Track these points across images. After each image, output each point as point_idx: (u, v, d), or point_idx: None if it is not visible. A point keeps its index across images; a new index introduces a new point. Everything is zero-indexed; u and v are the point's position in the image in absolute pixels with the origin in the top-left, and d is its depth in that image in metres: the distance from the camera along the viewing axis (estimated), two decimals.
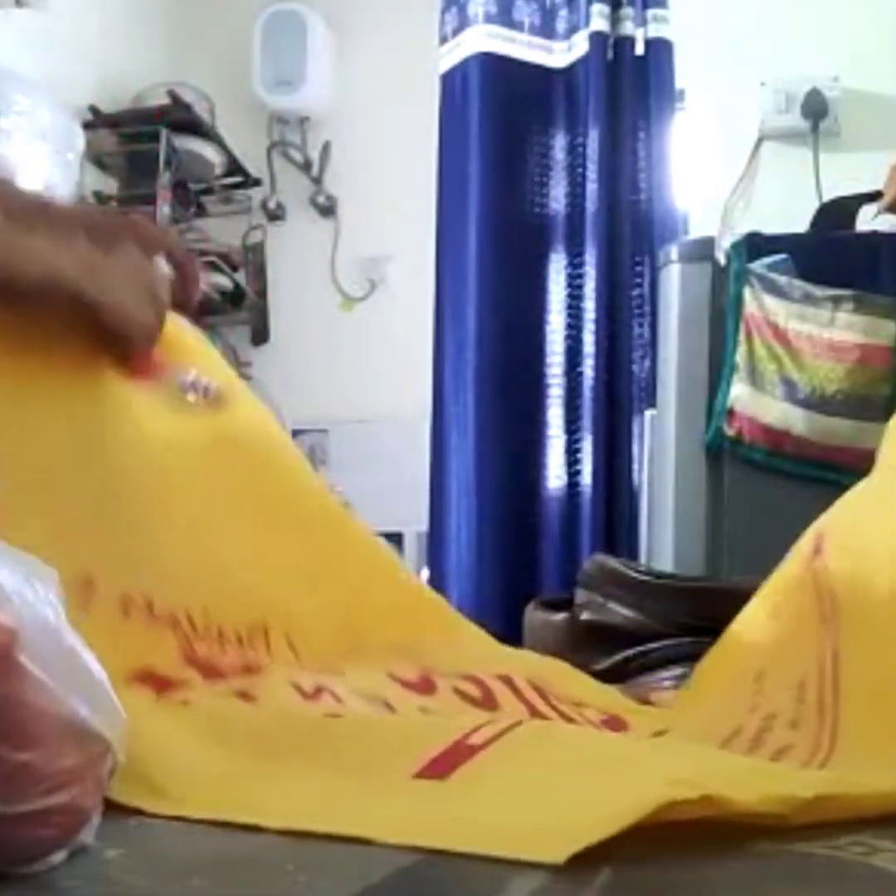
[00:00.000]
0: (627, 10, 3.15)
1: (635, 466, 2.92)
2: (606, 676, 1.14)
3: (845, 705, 0.72)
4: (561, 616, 1.38)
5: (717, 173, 3.42)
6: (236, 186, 4.05)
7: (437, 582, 3.09)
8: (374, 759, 0.65)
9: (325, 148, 4.07)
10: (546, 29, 3.20)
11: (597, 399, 3.01)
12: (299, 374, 4.01)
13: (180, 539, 0.86)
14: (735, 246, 2.25)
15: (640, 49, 3.17)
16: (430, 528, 3.13)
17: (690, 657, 1.12)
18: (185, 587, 0.84)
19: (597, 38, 3.11)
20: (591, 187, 3.08)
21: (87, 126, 3.55)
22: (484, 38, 3.17)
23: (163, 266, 0.89)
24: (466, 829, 0.54)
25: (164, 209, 3.64)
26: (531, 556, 3.02)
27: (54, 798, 0.43)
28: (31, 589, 0.45)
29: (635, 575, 1.39)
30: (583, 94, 3.14)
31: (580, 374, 3.05)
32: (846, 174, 2.87)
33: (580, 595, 1.38)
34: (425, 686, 0.91)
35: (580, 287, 3.09)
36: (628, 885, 0.48)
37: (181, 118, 3.73)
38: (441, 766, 0.61)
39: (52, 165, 3.13)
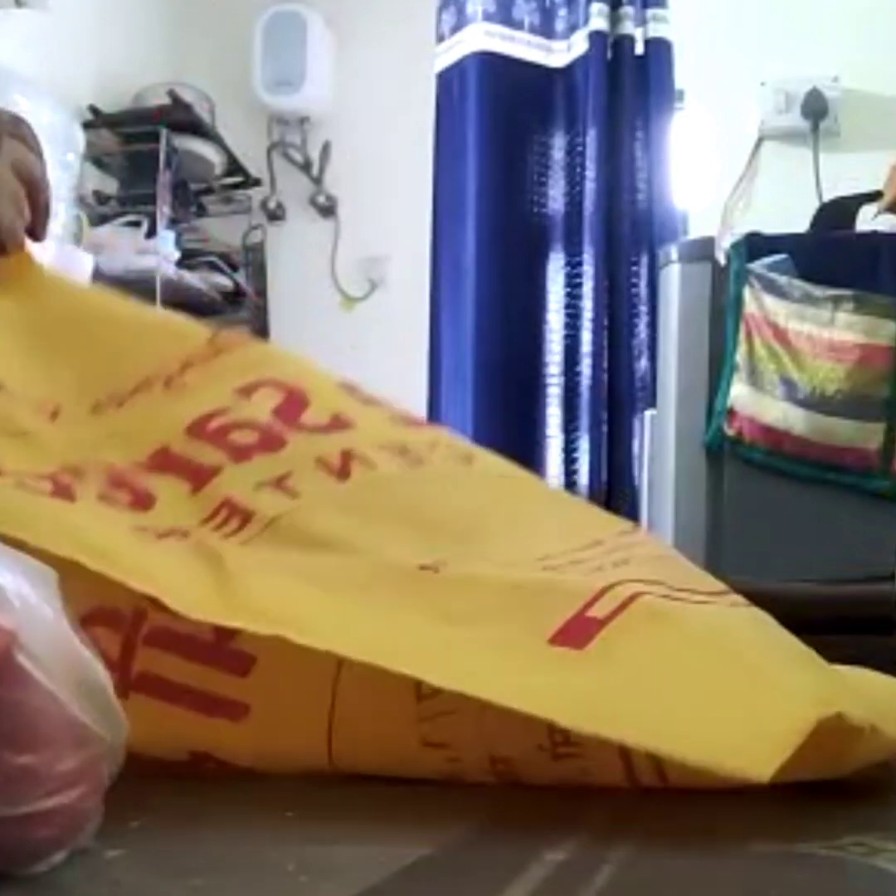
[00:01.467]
0: (627, 10, 3.15)
1: (634, 466, 2.92)
2: None
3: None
4: None
5: (717, 173, 3.42)
6: (236, 186, 4.05)
7: None
8: (497, 615, 0.64)
9: (325, 148, 4.07)
10: (545, 28, 3.21)
11: (595, 399, 3.01)
12: None
13: (114, 354, 0.92)
14: (735, 246, 2.25)
15: (639, 49, 3.17)
16: None
17: None
18: (137, 370, 0.89)
19: (596, 38, 3.11)
20: (590, 187, 3.08)
21: (87, 126, 3.55)
22: (483, 36, 3.17)
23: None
24: (643, 722, 0.56)
25: (164, 209, 3.64)
26: None
27: (55, 800, 0.43)
28: (31, 590, 0.45)
29: None
30: (582, 93, 3.14)
31: (578, 373, 3.05)
32: (846, 174, 2.88)
33: None
34: (423, 423, 0.95)
35: (578, 287, 3.09)
36: (628, 885, 0.48)
37: (181, 118, 3.73)
38: (574, 636, 0.61)
39: (52, 165, 3.13)
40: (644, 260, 3.08)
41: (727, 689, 0.59)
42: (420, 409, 3.20)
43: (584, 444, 3.02)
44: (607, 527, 0.85)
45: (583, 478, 3.01)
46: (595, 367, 3.01)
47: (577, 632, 0.62)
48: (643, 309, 3.05)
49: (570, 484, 3.03)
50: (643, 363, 3.03)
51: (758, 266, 2.21)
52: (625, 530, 0.85)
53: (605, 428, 3.01)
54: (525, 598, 0.67)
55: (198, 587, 0.65)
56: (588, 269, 3.07)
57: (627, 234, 3.09)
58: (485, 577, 0.70)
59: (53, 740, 0.43)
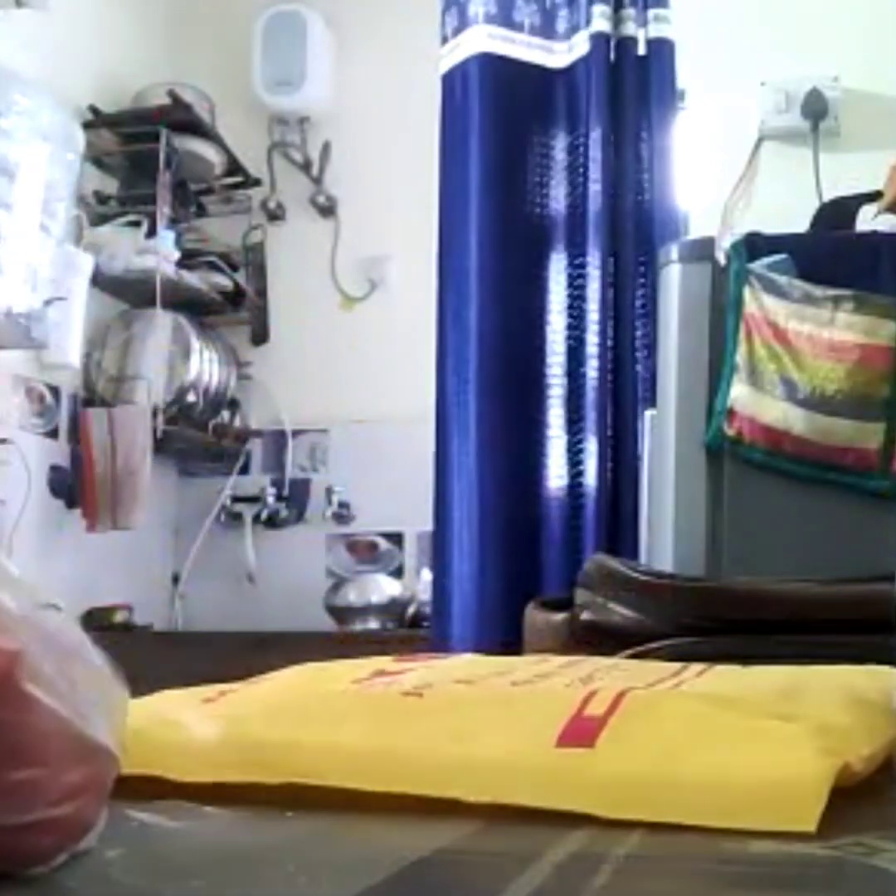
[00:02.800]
0: (628, 11, 3.15)
1: (638, 467, 2.92)
2: None
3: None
4: (561, 616, 1.38)
5: (717, 173, 3.42)
6: (236, 186, 4.06)
7: (440, 582, 3.10)
8: (499, 731, 0.65)
9: (325, 148, 4.08)
10: (546, 29, 3.20)
11: (598, 399, 3.00)
12: (299, 374, 4.01)
13: None
14: (735, 246, 2.25)
15: (641, 49, 3.17)
16: (434, 529, 3.13)
17: (691, 657, 1.12)
18: None
19: (598, 39, 3.10)
20: (592, 188, 3.08)
21: (87, 126, 3.56)
22: (484, 38, 3.17)
23: None
24: (675, 800, 0.57)
25: (164, 209, 3.64)
26: (533, 557, 3.02)
27: (58, 810, 0.43)
28: (31, 600, 0.45)
29: (635, 575, 1.39)
30: (583, 94, 3.14)
31: (582, 374, 3.05)
32: (846, 174, 2.88)
33: (580, 595, 1.38)
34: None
35: (581, 287, 3.09)
36: (628, 885, 0.48)
37: (181, 118, 3.74)
38: (579, 736, 0.62)
39: (52, 165, 3.14)
40: (647, 260, 3.07)
41: (741, 757, 0.61)
42: (422, 409, 3.21)
43: (589, 446, 3.01)
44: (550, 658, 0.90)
45: (587, 479, 3.01)
46: (600, 367, 3.01)
47: (581, 732, 0.63)
48: (647, 309, 3.05)
49: (574, 485, 3.03)
50: (648, 364, 3.02)
51: (758, 266, 2.21)
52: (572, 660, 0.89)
53: (609, 429, 3.01)
54: (515, 711, 0.69)
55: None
56: (591, 271, 3.06)
57: (631, 234, 3.09)
58: (469, 697, 0.72)
59: (58, 756, 0.43)
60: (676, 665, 0.85)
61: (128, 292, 3.75)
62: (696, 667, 0.85)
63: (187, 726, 0.69)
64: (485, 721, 0.67)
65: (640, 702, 0.67)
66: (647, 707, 0.67)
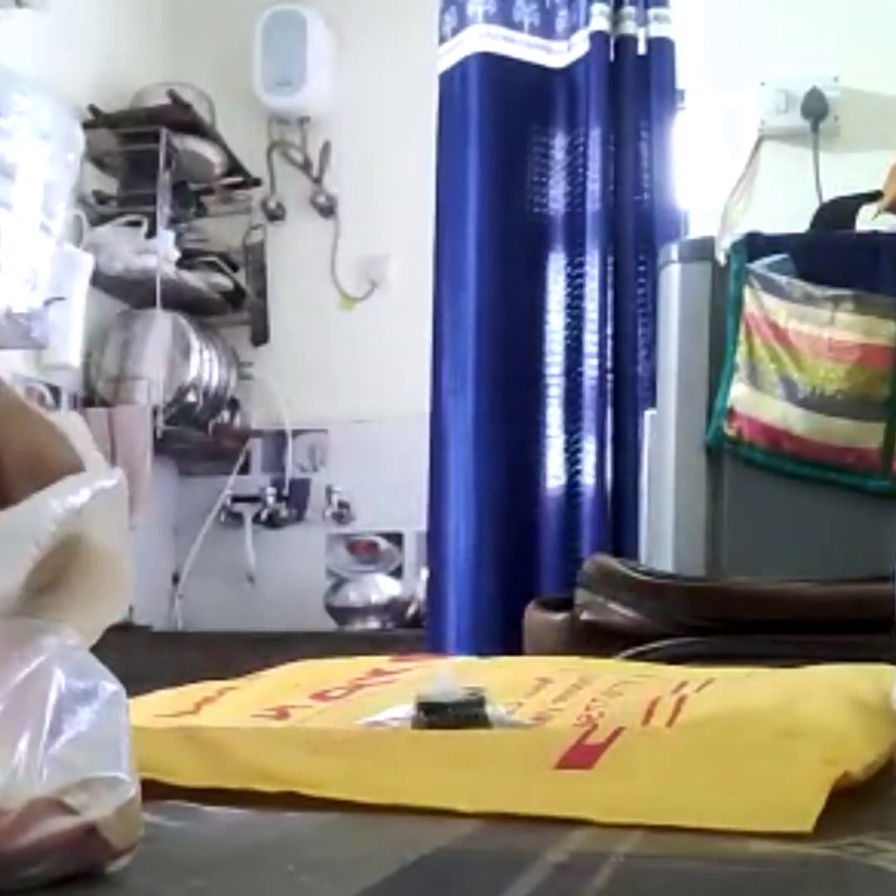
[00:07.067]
0: (629, 10, 3.15)
1: (636, 466, 2.92)
2: None
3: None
4: (561, 616, 1.38)
5: (717, 173, 3.42)
6: (236, 186, 4.06)
7: (436, 583, 3.09)
8: (499, 758, 0.65)
9: (325, 148, 4.08)
10: (546, 28, 3.20)
11: (597, 399, 3.01)
12: (299, 374, 4.01)
13: None
14: (735, 246, 2.25)
15: (641, 49, 3.17)
16: (429, 528, 3.13)
17: (690, 657, 1.12)
18: None
19: (597, 38, 3.11)
20: (591, 187, 3.08)
21: (87, 126, 3.56)
22: (483, 37, 3.17)
23: None
24: (675, 806, 0.57)
25: (164, 209, 3.64)
26: (530, 557, 3.02)
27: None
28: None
29: (635, 575, 1.39)
30: (583, 93, 3.14)
31: (580, 373, 3.05)
32: (846, 174, 2.87)
33: (580, 595, 1.38)
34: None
35: (580, 287, 3.09)
36: (628, 885, 0.48)
37: (181, 118, 3.74)
38: (579, 760, 0.63)
39: (52, 165, 3.14)
40: (646, 260, 3.07)
41: (740, 765, 0.61)
42: (421, 409, 3.21)
43: (587, 445, 3.01)
44: (551, 666, 0.89)
45: (585, 478, 3.01)
46: (599, 367, 3.01)
47: (581, 756, 0.64)
48: (646, 309, 3.05)
49: (572, 484, 3.03)
50: (647, 364, 3.02)
51: (758, 266, 2.21)
52: (565, 667, 0.89)
53: (608, 428, 3.01)
54: (516, 740, 0.69)
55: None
56: (590, 270, 3.06)
57: (630, 234, 3.09)
58: (474, 733, 0.72)
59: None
60: (677, 680, 0.85)
61: (128, 292, 3.75)
62: (696, 681, 0.84)
63: (187, 729, 0.69)
64: (484, 749, 0.67)
65: (637, 735, 0.68)
66: (646, 734, 0.68)
